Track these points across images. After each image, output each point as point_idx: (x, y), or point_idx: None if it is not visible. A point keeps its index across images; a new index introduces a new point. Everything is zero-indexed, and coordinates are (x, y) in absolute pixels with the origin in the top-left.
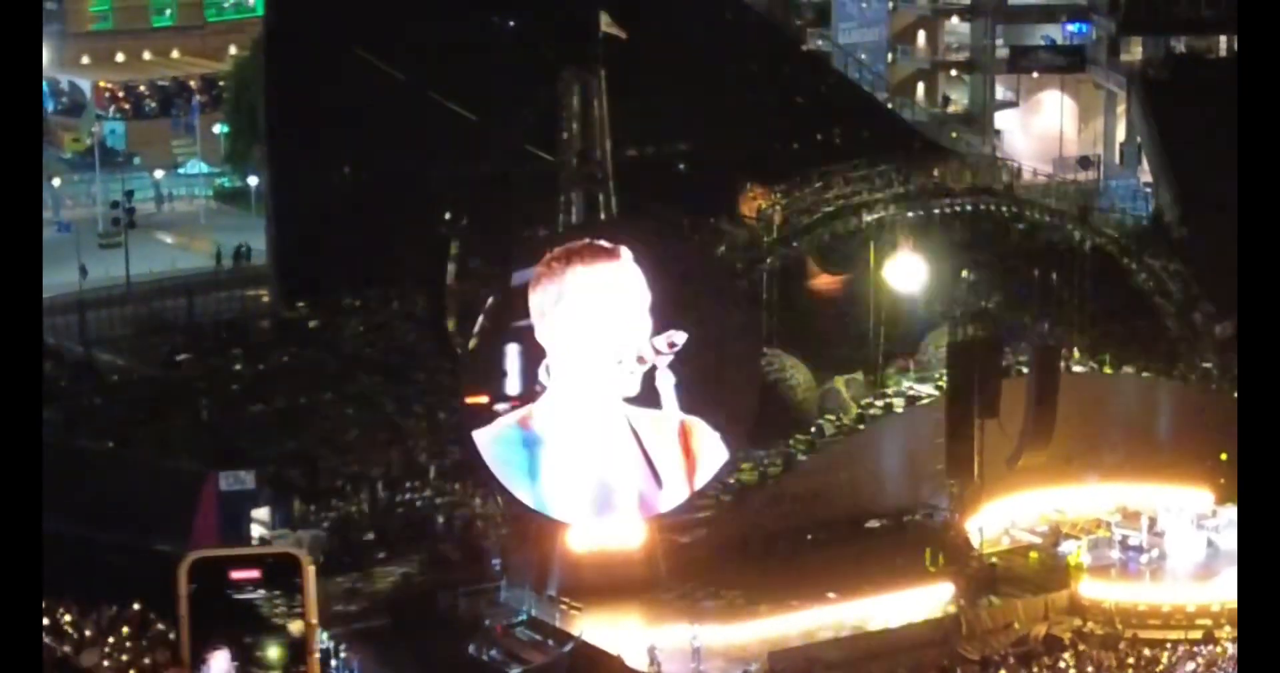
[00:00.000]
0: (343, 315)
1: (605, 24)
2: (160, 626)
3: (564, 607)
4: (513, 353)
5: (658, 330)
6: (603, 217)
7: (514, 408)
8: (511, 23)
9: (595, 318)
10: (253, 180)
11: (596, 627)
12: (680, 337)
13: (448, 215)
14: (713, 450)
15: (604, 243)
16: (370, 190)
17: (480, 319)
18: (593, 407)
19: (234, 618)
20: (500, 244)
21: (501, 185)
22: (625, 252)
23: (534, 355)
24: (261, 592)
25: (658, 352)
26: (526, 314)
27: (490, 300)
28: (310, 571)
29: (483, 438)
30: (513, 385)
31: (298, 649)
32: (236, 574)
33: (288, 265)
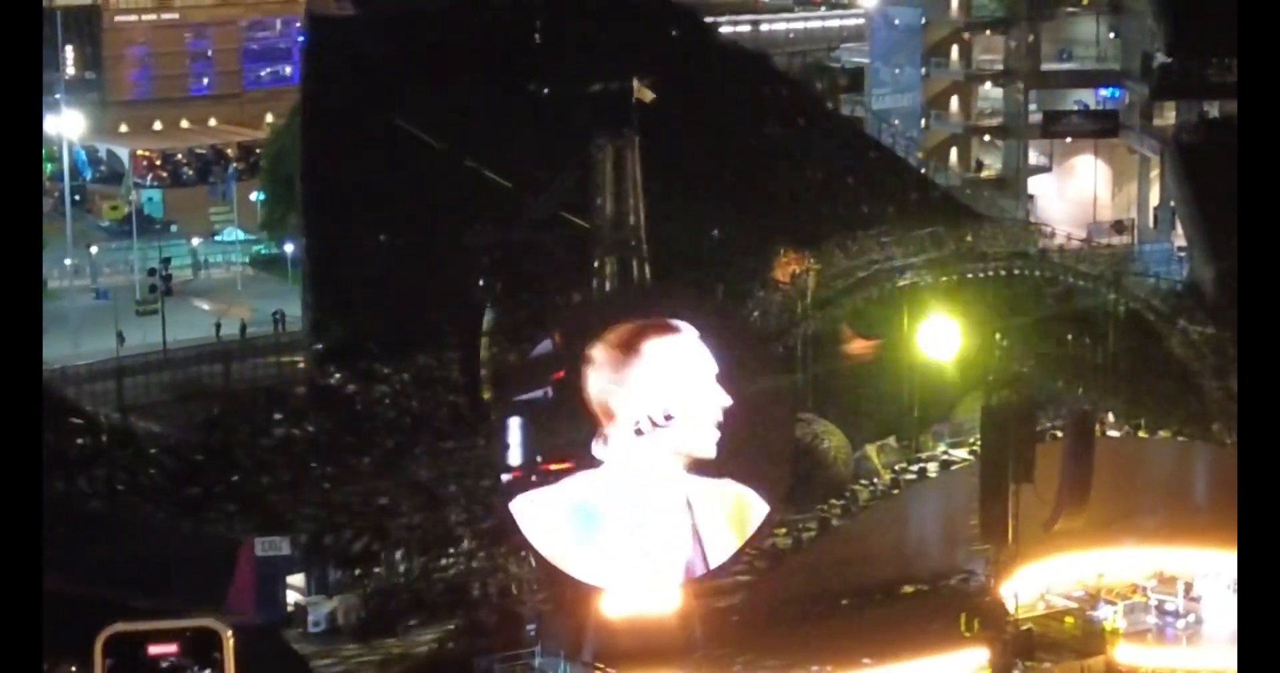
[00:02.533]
0: (379, 382)
1: (636, 89)
2: None
3: None
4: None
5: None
6: (637, 283)
7: (547, 476)
8: (546, 90)
9: (668, 389)
10: (289, 247)
11: None
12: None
13: (482, 282)
14: (759, 517)
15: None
16: (406, 257)
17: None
18: (650, 476)
19: None
20: (535, 310)
21: (536, 251)
22: (687, 327)
23: (564, 424)
24: (182, 667)
25: (668, 417)
26: (560, 382)
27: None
28: (230, 644)
29: (527, 504)
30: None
31: None
32: (155, 649)
33: (324, 332)
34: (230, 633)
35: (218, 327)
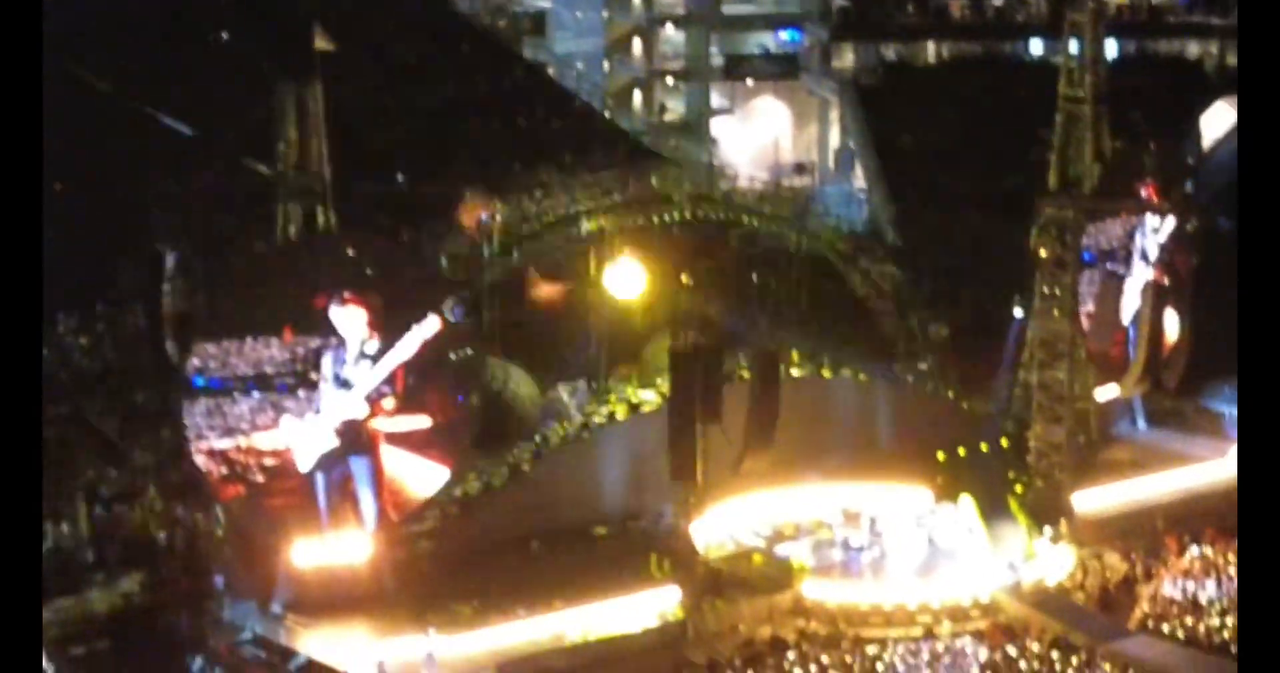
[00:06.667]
0: (58, 334)
1: (317, 36)
2: None
3: (290, 623)
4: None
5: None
6: (321, 229)
7: None
8: (226, 36)
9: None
10: None
11: (324, 643)
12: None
13: (162, 230)
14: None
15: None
16: (83, 207)
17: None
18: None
19: None
20: (218, 259)
21: (219, 199)
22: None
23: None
24: None
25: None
26: (238, 331)
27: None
28: None
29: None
30: None
31: None
32: None
33: None
34: None
35: None
